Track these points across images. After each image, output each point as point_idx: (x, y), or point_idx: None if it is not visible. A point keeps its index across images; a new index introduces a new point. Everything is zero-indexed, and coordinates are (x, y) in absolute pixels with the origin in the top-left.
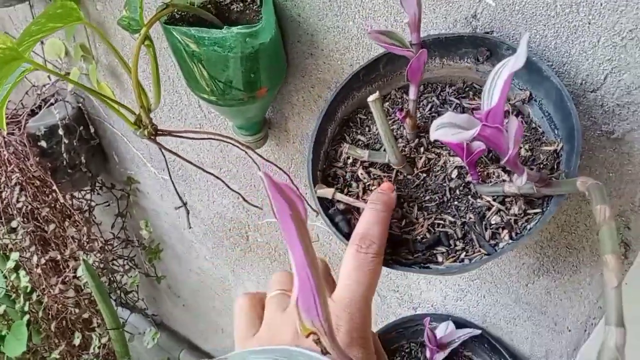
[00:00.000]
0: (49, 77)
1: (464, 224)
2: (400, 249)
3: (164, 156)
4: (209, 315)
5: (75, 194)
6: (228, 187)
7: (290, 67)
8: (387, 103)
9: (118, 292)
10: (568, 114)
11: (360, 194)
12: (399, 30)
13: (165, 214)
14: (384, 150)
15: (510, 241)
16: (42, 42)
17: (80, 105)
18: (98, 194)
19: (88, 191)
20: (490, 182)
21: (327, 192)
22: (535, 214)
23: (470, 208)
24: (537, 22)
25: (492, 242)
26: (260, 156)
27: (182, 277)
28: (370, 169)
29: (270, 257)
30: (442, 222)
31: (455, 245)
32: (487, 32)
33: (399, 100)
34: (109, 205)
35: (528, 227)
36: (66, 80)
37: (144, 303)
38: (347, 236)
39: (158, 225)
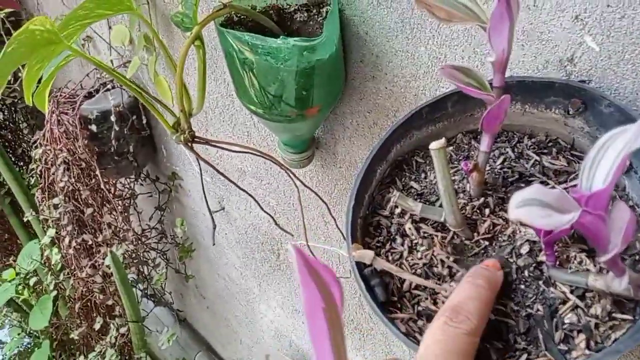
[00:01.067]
0: (111, 61)
1: (530, 316)
2: None
3: (199, 164)
4: (230, 323)
5: (122, 180)
6: (261, 207)
7: (348, 87)
8: (451, 147)
9: (145, 283)
10: None
11: (405, 253)
12: (477, 64)
13: (203, 215)
14: (440, 205)
15: (587, 352)
16: (110, 27)
17: None
18: (141, 184)
19: (133, 180)
20: (570, 268)
21: (365, 255)
22: (624, 320)
23: (540, 297)
24: None
25: (563, 347)
26: (301, 181)
27: (210, 280)
28: (421, 224)
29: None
30: (502, 308)
31: (516, 342)
32: (584, 81)
33: (466, 146)
34: (151, 196)
35: (612, 336)
36: (104, 69)
37: (170, 297)
38: (383, 306)
39: (195, 224)
